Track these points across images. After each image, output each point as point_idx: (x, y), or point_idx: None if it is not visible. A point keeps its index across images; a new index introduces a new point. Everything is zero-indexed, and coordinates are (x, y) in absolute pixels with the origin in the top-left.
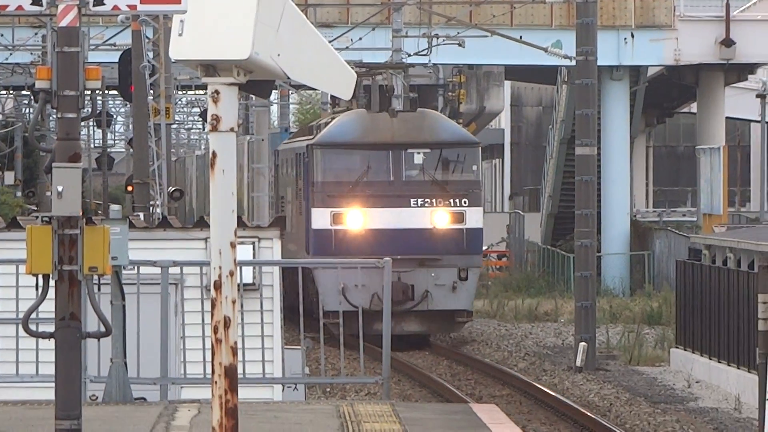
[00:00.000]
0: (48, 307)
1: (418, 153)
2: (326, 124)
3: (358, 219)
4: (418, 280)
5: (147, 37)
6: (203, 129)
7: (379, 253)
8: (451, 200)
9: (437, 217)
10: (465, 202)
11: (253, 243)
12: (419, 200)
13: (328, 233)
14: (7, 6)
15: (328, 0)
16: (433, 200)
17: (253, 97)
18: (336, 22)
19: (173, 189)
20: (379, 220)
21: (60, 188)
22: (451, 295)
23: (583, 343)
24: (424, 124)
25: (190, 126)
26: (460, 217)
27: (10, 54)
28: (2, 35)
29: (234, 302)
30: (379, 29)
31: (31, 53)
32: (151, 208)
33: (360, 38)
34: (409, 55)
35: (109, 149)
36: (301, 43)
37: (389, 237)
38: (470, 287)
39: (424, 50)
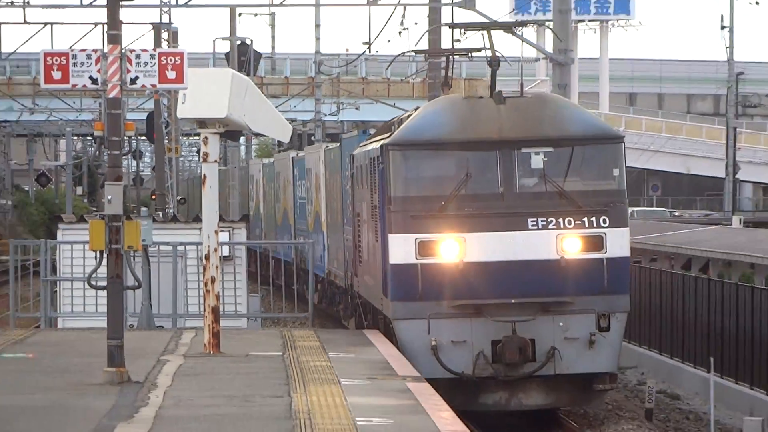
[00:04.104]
0: (102, 271)
1: (537, 153)
2: (409, 117)
3: (454, 249)
4: (542, 333)
5: (163, 103)
6: (198, 161)
7: (486, 296)
8: (586, 219)
9: (567, 244)
10: (605, 221)
11: (229, 231)
12: (540, 220)
13: (413, 270)
14: (77, 84)
15: (275, 81)
16: (561, 219)
17: (227, 140)
18: (280, 94)
19: (180, 198)
20: (485, 250)
21: (110, 197)
22: (588, 352)
23: None
24: (544, 113)
25: (192, 159)
26: (598, 243)
27: (79, 114)
28: (74, 102)
29: (217, 267)
30: (307, 99)
31: (92, 114)
32: (166, 209)
33: (294, 106)
34: (325, 116)
35: (140, 173)
36: (258, 108)
37: (499, 273)
38: (614, 340)
39: (335, 112)
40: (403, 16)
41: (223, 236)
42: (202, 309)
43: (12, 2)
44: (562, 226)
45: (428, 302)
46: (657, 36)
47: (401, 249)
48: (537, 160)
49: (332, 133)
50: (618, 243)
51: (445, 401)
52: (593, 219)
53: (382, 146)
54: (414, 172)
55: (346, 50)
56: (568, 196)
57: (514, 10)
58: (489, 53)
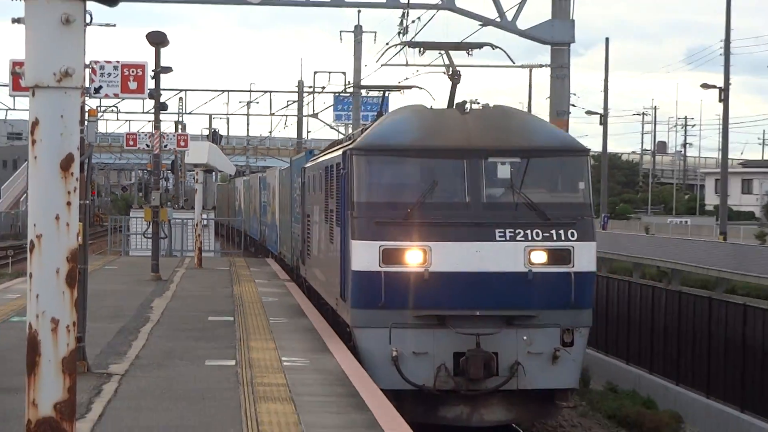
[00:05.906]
0: (149, 230)
1: (504, 163)
2: (370, 127)
3: (419, 258)
4: (505, 347)
5: (179, 156)
6: (195, 182)
7: (450, 307)
8: (554, 231)
9: (535, 256)
10: (573, 235)
11: (207, 213)
12: (508, 231)
13: (376, 278)
14: (140, 147)
15: (228, 148)
16: (528, 231)
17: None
18: (231, 154)
19: (185, 198)
20: (451, 260)
21: (153, 198)
22: (551, 367)
23: None
24: (510, 124)
25: (190, 181)
26: (565, 256)
27: (141, 160)
28: (140, 155)
29: (202, 229)
30: (242, 156)
31: (147, 160)
32: (178, 204)
33: (237, 159)
34: (251, 163)
35: (167, 187)
36: (220, 159)
37: (464, 284)
38: (577, 356)
39: (255, 161)
40: (286, 120)
41: (206, 215)
42: (194, 247)
43: (112, 110)
44: (530, 238)
45: (391, 311)
46: None
47: (364, 256)
48: (504, 170)
49: (254, 171)
50: (585, 257)
51: (303, 293)
52: (561, 232)
53: (345, 152)
54: (378, 177)
55: (260, 134)
56: (537, 208)
57: (335, 119)
58: (450, 70)
